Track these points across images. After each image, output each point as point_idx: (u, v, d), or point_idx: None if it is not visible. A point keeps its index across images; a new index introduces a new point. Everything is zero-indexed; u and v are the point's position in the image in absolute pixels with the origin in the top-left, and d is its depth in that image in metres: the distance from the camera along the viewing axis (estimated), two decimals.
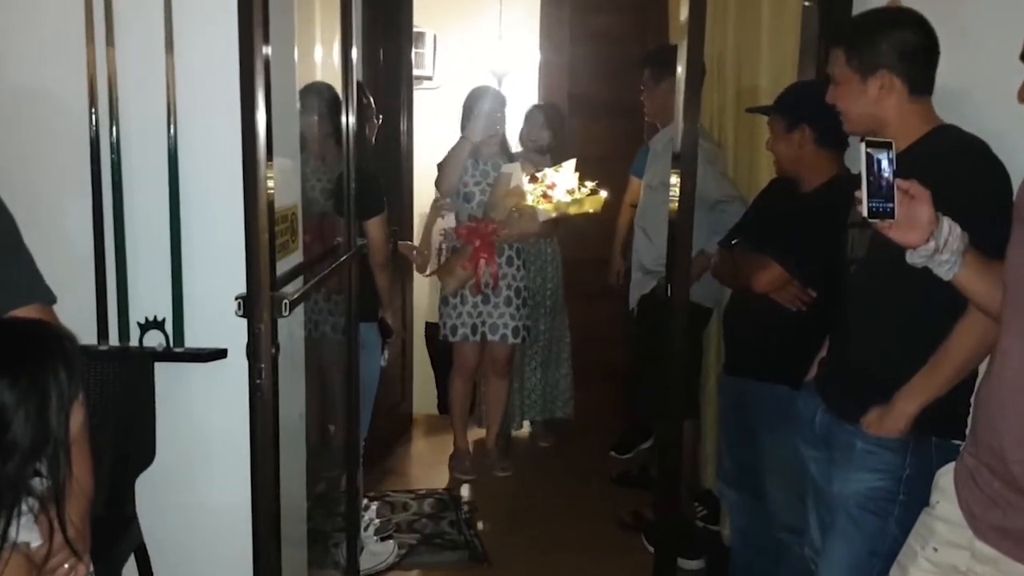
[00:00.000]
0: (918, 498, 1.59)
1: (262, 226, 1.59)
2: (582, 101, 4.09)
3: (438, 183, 3.66)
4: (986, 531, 1.37)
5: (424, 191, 4.15)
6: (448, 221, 3.86)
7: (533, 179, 3.62)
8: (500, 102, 3.67)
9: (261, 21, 1.57)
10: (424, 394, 4.44)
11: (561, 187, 3.60)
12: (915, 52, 1.70)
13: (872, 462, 1.71)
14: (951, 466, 1.49)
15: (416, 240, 4.02)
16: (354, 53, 2.45)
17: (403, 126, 4.02)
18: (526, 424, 4.20)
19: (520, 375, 4.02)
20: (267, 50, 1.60)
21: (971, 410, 1.46)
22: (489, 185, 3.59)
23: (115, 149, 2.18)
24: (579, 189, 3.59)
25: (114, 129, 2.17)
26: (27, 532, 1.20)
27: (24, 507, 1.20)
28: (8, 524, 1.17)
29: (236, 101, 2.15)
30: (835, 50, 1.79)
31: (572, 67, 4.16)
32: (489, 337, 3.64)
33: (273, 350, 1.63)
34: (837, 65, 1.78)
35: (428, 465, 3.98)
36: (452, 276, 3.54)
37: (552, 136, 3.84)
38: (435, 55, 5.58)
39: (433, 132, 4.44)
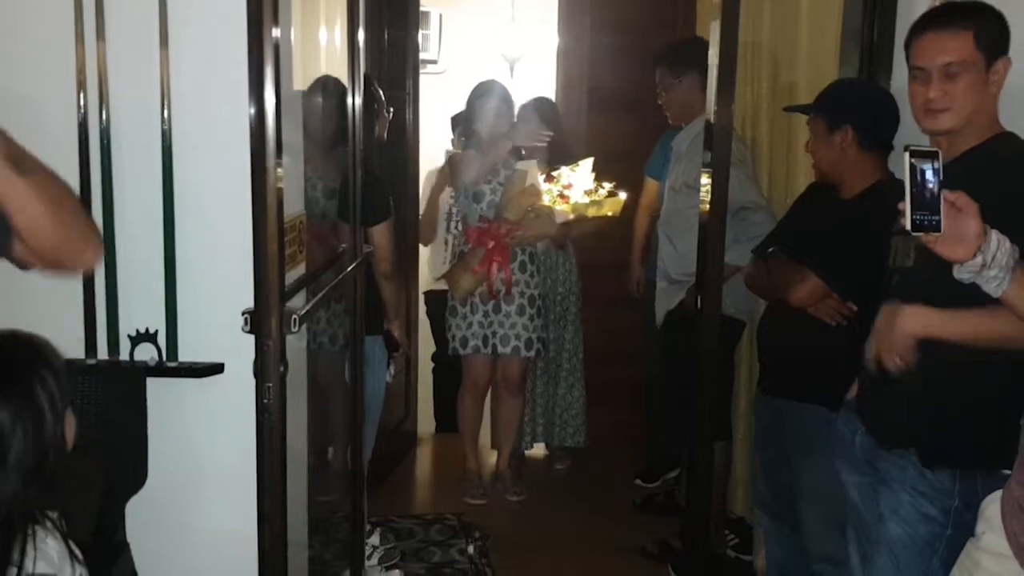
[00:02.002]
0: (965, 533, 1.67)
1: (271, 236, 1.67)
2: (603, 95, 4.16)
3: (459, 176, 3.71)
4: None
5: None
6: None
7: (549, 178, 3.71)
8: (507, 98, 3.73)
9: (271, 7, 1.62)
10: (429, 411, 4.53)
11: (578, 187, 3.69)
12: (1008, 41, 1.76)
13: (921, 486, 1.79)
14: (997, 495, 1.57)
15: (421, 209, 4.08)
16: (361, 37, 2.48)
17: (408, 118, 4.07)
18: (537, 445, 4.26)
19: (530, 393, 4.08)
20: (276, 33, 1.65)
21: (1020, 439, 1.54)
22: (500, 184, 3.66)
23: (105, 151, 2.25)
24: (597, 191, 3.67)
25: (104, 130, 2.24)
26: (44, 561, 1.30)
27: (39, 533, 1.30)
28: (23, 554, 1.26)
29: (234, 99, 2.27)
30: (957, 34, 1.75)
31: (593, 58, 4.23)
32: (500, 349, 3.69)
33: (281, 368, 1.72)
34: (964, 53, 1.74)
35: (434, 488, 4.08)
36: (462, 281, 3.61)
37: (551, 136, 3.87)
38: (441, 37, 5.66)
39: (437, 122, 4.51)
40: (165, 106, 2.25)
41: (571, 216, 3.61)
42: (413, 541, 3.43)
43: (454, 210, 3.91)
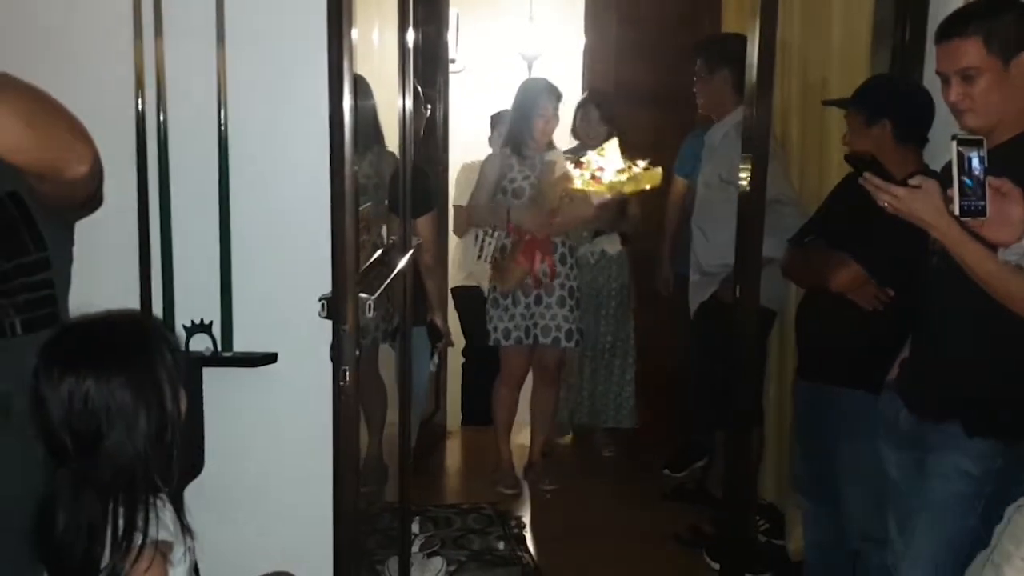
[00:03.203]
0: (1005, 495, 1.78)
1: (350, 226, 1.76)
2: (629, 89, 4.23)
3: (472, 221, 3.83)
4: None
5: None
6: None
7: (578, 164, 3.73)
8: (554, 98, 3.75)
9: (349, 8, 1.71)
10: (457, 405, 4.62)
11: (610, 168, 3.71)
12: None
13: (964, 447, 1.88)
14: None
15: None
16: (410, 38, 2.56)
17: (439, 115, 4.16)
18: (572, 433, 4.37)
19: (584, 380, 4.20)
20: (355, 35, 1.74)
21: None
22: (538, 179, 3.72)
23: (162, 144, 2.34)
24: (630, 168, 3.68)
25: (162, 123, 2.33)
26: (164, 530, 1.39)
27: (158, 503, 1.39)
28: (147, 523, 1.36)
29: (290, 94, 2.37)
30: (966, 41, 1.84)
31: (619, 53, 4.30)
32: (541, 340, 3.75)
33: (357, 352, 1.81)
34: (974, 58, 1.83)
35: (466, 479, 4.18)
36: (510, 273, 3.68)
37: (608, 132, 3.92)
38: (458, 36, 5.76)
39: (457, 120, 4.60)
40: (222, 102, 2.33)
41: (608, 196, 3.64)
42: (451, 529, 3.51)
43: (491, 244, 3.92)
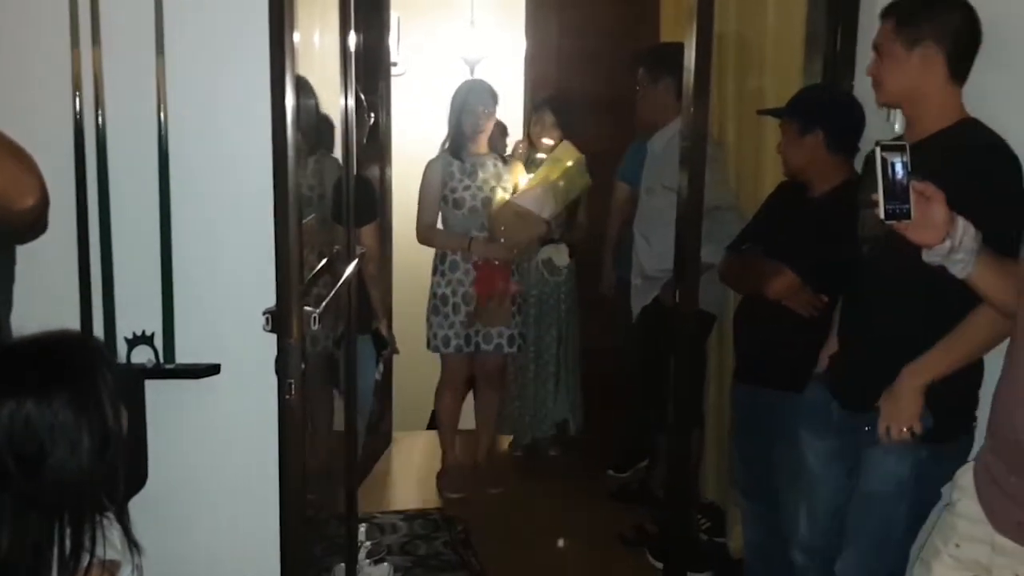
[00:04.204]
0: (929, 487, 1.87)
1: (294, 239, 1.76)
2: (571, 96, 4.24)
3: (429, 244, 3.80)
4: (1006, 525, 1.60)
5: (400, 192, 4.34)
6: None
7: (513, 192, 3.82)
8: (486, 96, 3.75)
9: (291, 13, 1.70)
10: (405, 412, 4.61)
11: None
12: (962, 34, 1.95)
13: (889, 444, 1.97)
14: (970, 465, 1.73)
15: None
16: (352, 41, 2.55)
17: (381, 121, 4.15)
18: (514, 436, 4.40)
19: (530, 383, 4.23)
20: (297, 38, 1.73)
21: (990, 409, 1.70)
22: (479, 188, 3.72)
23: (101, 155, 2.30)
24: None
25: (100, 131, 2.29)
26: (111, 548, 1.38)
27: (104, 521, 1.38)
28: (94, 543, 1.35)
29: (231, 101, 2.34)
30: (884, 22, 2.03)
31: (560, 60, 4.34)
32: (483, 347, 3.79)
33: (303, 365, 1.81)
34: (884, 36, 2.02)
35: (412, 485, 4.17)
36: (484, 313, 3.75)
37: (561, 136, 3.97)
38: (399, 40, 5.76)
39: (399, 124, 4.60)
40: (161, 110, 2.30)
41: (553, 204, 3.70)
42: (397, 536, 3.52)
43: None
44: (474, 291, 3.71)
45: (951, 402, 1.94)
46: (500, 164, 3.80)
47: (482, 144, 3.77)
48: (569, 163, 3.78)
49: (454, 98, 3.77)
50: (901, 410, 1.92)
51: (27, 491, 1.35)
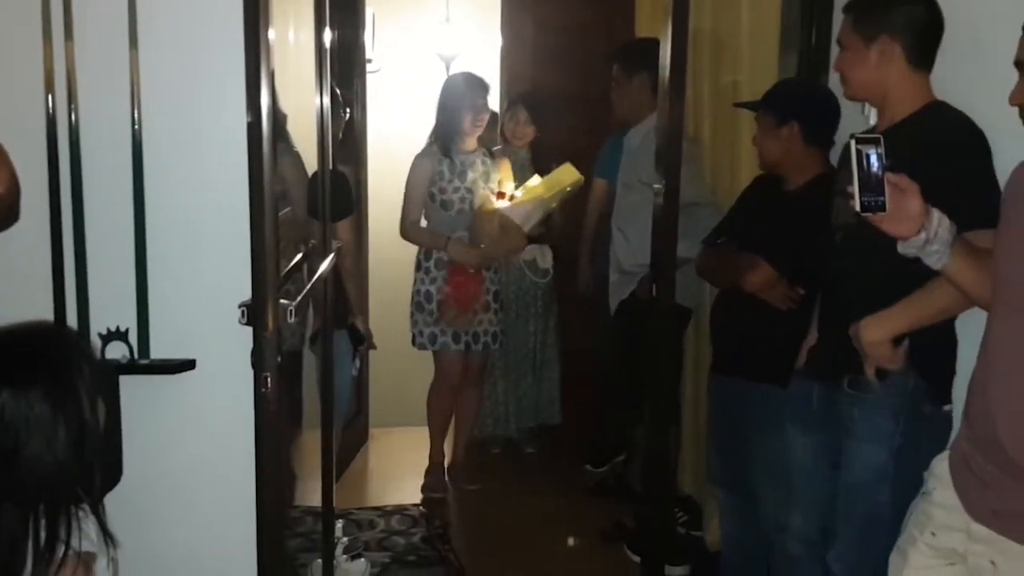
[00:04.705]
0: (908, 473, 1.87)
1: (270, 232, 1.74)
2: (547, 92, 4.24)
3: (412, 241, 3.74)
4: (981, 513, 1.62)
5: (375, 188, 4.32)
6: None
7: (500, 196, 3.74)
8: (482, 90, 3.66)
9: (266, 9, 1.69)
10: (381, 407, 4.59)
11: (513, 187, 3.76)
12: (919, 25, 1.99)
13: (868, 433, 2.01)
14: (946, 454, 1.75)
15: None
16: (327, 37, 2.54)
17: (356, 117, 4.13)
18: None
19: (510, 379, 4.23)
20: (272, 35, 1.73)
21: (966, 398, 1.72)
22: (468, 190, 3.67)
23: (74, 150, 2.27)
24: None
25: (73, 127, 2.26)
26: (87, 541, 1.36)
27: (79, 514, 1.36)
28: (69, 535, 1.33)
29: (205, 96, 2.33)
30: (845, 17, 2.09)
31: (536, 56, 4.33)
32: (473, 347, 3.78)
33: (279, 358, 1.80)
34: (844, 31, 2.08)
35: (389, 482, 4.15)
36: (449, 313, 3.70)
37: (535, 132, 3.97)
38: (374, 36, 5.74)
39: (374, 120, 4.58)
40: (135, 105, 2.28)
41: (539, 215, 3.66)
42: (375, 531, 3.50)
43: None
44: (445, 291, 3.68)
45: (929, 365, 1.97)
46: (489, 161, 3.75)
47: (473, 141, 3.69)
48: (568, 187, 3.72)
49: (445, 92, 3.68)
50: (872, 357, 1.93)
51: (2, 483, 1.33)
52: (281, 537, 1.93)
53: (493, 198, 3.68)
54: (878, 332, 1.90)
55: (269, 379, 1.78)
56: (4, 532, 1.33)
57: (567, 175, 3.67)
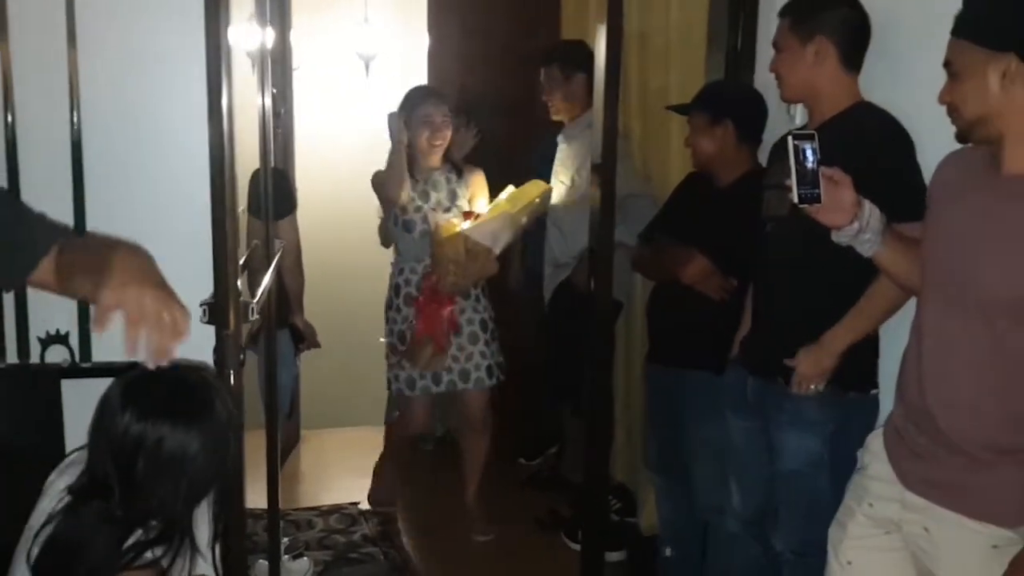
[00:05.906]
0: (843, 456, 2.00)
1: (231, 232, 1.74)
2: (475, 96, 4.23)
3: (384, 193, 3.37)
4: (914, 483, 1.73)
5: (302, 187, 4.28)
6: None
7: (468, 216, 3.42)
8: (441, 101, 3.38)
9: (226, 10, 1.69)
10: (311, 408, 4.57)
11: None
12: (851, 27, 2.11)
13: (801, 422, 2.11)
14: (880, 431, 1.87)
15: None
16: (271, 37, 2.52)
17: (282, 115, 4.10)
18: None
19: None
20: (231, 34, 1.72)
21: (898, 378, 1.84)
22: (431, 209, 3.37)
23: (10, 151, 2.23)
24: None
25: (9, 126, 2.22)
26: (204, 566, 1.49)
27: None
28: (192, 562, 1.45)
29: (145, 95, 2.31)
30: (781, 20, 2.18)
31: (463, 60, 4.34)
32: (460, 385, 3.39)
33: (241, 356, 1.80)
34: (781, 33, 2.17)
35: (323, 482, 4.15)
36: (421, 354, 3.35)
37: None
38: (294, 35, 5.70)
39: (297, 118, 4.55)
40: (74, 106, 2.24)
41: (494, 223, 3.32)
42: (314, 531, 3.51)
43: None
44: (414, 328, 3.35)
45: (852, 359, 2.08)
46: (454, 178, 3.42)
47: (436, 158, 3.37)
48: (536, 198, 3.41)
49: (402, 108, 3.34)
50: (817, 369, 2.06)
51: (116, 508, 1.48)
52: (244, 538, 1.92)
53: (456, 220, 3.37)
54: (839, 343, 2.04)
55: (232, 377, 1.78)
56: (96, 552, 1.45)
57: (533, 187, 3.44)
